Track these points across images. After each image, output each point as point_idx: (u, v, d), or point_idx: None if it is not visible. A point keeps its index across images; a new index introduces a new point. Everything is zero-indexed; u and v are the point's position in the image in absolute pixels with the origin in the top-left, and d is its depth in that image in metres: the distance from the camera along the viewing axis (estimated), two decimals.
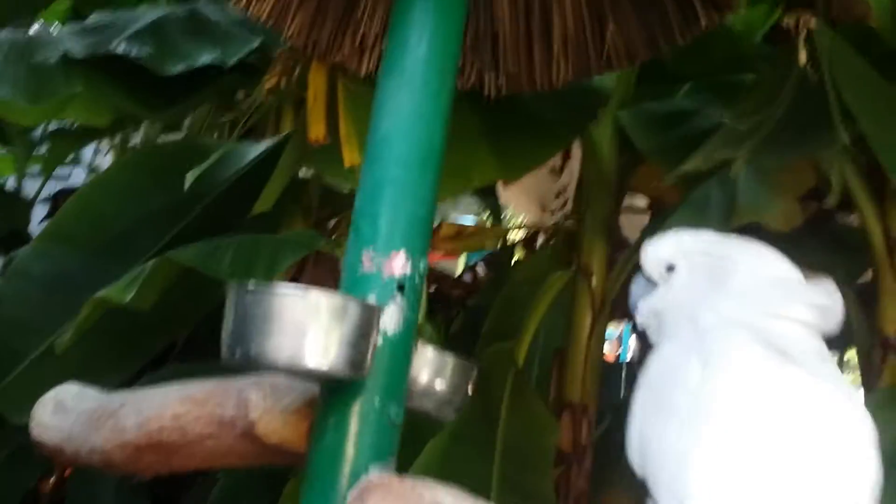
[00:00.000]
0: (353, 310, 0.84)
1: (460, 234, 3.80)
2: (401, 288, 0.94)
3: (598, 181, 2.22)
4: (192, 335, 2.81)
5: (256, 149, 2.81)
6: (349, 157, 1.51)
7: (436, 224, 3.57)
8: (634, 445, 0.80)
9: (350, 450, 0.90)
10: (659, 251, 0.86)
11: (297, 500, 1.95)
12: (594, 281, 2.22)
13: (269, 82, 2.20)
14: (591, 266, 2.22)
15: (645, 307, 0.85)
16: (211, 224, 2.64)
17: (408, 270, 0.95)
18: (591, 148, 2.19)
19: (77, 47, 2.44)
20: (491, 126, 1.72)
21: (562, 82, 1.50)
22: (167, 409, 1.13)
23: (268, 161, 2.65)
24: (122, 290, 1.91)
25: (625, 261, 2.31)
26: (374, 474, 0.87)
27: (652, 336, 0.85)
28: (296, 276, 3.27)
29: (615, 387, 2.99)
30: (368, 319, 0.85)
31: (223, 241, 2.18)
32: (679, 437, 0.75)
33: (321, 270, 3.21)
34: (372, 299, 0.93)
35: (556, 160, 2.78)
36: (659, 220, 2.12)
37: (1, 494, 2.65)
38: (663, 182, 2.04)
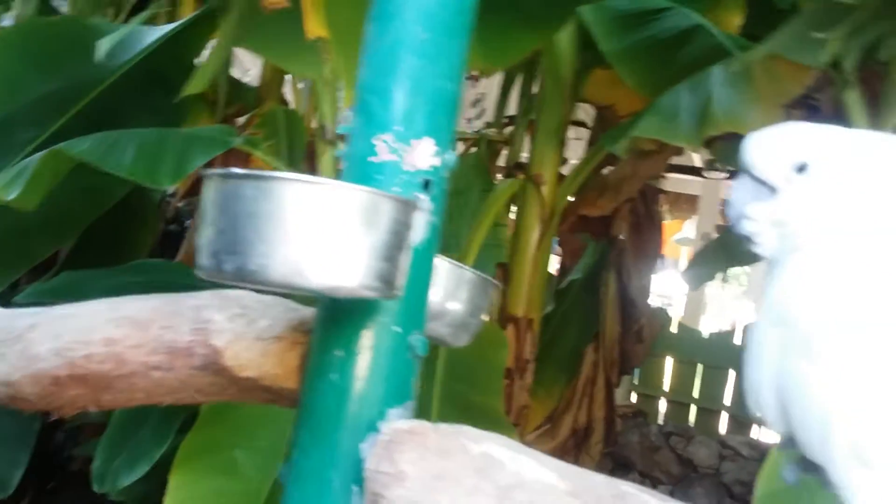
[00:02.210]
0: (388, 207, 0.62)
1: None
2: (426, 185, 0.73)
3: (555, 86, 2.03)
4: (82, 240, 2.56)
5: (157, 32, 2.50)
6: (312, 26, 1.24)
7: None
8: (765, 390, 0.63)
9: (363, 390, 0.70)
10: (786, 146, 0.66)
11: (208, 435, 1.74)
12: (545, 191, 2.06)
13: None
14: (542, 176, 2.05)
15: (760, 215, 0.66)
16: (103, 116, 2.36)
17: (436, 162, 0.74)
18: (550, 48, 1.99)
19: None
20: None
21: None
22: (95, 332, 0.89)
23: (176, 42, 2.35)
24: (4, 187, 1.69)
25: (575, 173, 2.16)
26: (400, 421, 0.67)
27: (765, 250, 0.67)
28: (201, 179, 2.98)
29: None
30: (405, 221, 0.63)
31: (123, 134, 1.92)
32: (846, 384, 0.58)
33: None
34: None
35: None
36: (618, 129, 1.96)
37: None
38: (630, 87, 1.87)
